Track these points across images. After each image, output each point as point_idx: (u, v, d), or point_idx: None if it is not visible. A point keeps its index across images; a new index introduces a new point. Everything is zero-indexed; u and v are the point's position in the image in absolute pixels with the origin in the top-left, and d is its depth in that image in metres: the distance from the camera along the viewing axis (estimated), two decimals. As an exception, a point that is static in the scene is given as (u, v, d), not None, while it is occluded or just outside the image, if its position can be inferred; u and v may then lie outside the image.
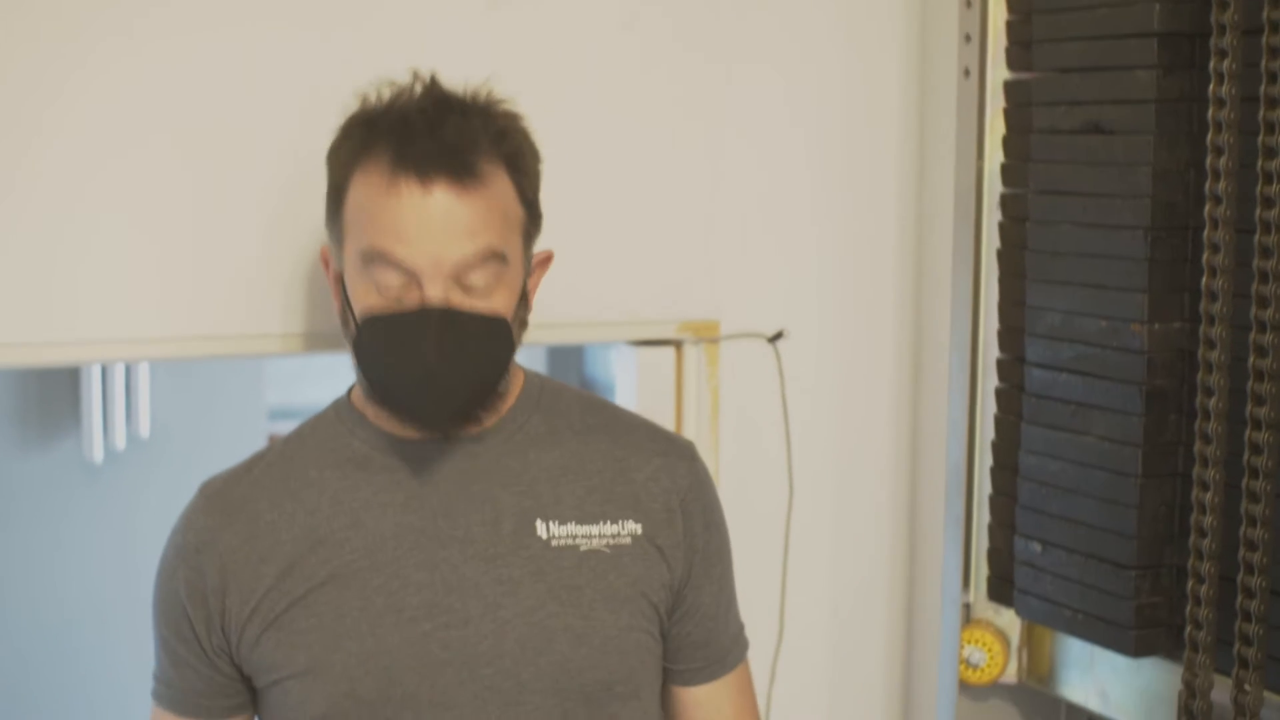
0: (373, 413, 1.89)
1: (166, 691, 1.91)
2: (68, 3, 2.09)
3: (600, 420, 1.97)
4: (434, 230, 1.77)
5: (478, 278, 1.79)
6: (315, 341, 2.23)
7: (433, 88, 1.84)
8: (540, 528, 1.86)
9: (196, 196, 2.18)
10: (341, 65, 2.09)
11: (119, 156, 2.13)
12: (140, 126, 2.14)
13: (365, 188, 1.80)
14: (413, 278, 1.78)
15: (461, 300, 1.79)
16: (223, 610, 1.84)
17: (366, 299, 1.80)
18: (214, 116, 2.18)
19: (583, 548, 1.87)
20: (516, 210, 1.84)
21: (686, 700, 1.99)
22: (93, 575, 4.30)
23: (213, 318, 2.21)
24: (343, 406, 1.94)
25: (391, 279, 1.78)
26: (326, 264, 1.92)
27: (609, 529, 1.89)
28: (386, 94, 1.85)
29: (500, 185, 1.82)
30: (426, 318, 1.77)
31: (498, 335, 1.82)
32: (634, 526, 1.89)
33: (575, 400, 1.97)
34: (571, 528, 1.87)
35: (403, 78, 1.86)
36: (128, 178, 2.14)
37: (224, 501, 1.89)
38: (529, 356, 2.13)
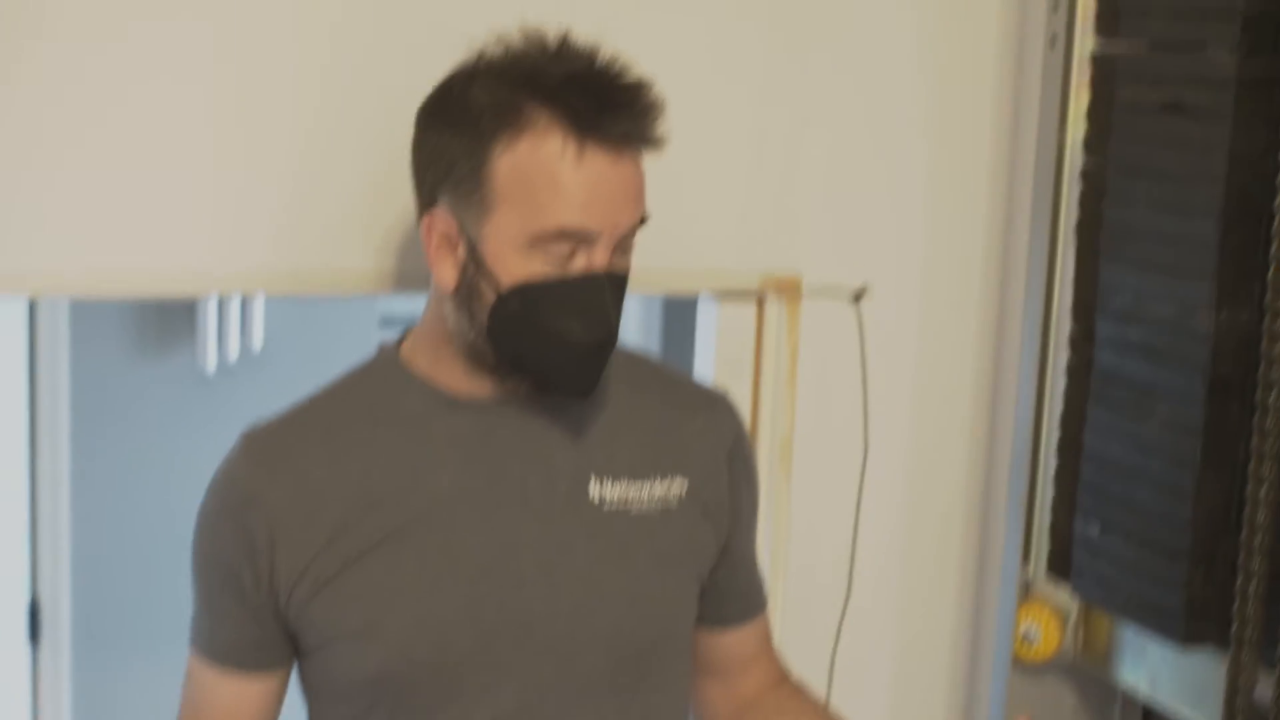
0: (425, 369, 1.84)
1: (205, 641, 1.86)
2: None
3: (645, 374, 1.97)
4: (618, 198, 1.74)
5: (629, 240, 1.78)
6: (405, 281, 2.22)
7: (589, 47, 1.76)
8: (594, 487, 1.85)
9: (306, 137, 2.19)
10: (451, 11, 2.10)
11: (235, 99, 2.15)
12: (255, 67, 2.15)
13: (536, 156, 1.71)
14: (583, 242, 1.73)
15: (617, 262, 1.78)
16: (271, 569, 1.79)
17: (529, 267, 1.73)
18: (328, 57, 2.19)
19: (634, 511, 1.86)
20: None
21: (715, 643, 2.01)
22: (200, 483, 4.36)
23: (317, 254, 2.21)
24: (389, 364, 1.88)
25: (563, 247, 1.73)
26: (430, 230, 1.79)
27: (659, 487, 1.88)
28: (509, 48, 1.77)
29: None
30: (603, 282, 1.75)
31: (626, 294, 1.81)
32: (682, 483, 1.89)
33: (619, 355, 1.92)
34: (624, 486, 1.87)
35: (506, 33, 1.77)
36: (239, 118, 2.16)
37: (269, 453, 1.83)
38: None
